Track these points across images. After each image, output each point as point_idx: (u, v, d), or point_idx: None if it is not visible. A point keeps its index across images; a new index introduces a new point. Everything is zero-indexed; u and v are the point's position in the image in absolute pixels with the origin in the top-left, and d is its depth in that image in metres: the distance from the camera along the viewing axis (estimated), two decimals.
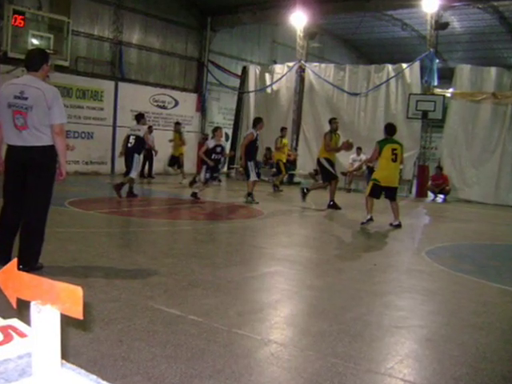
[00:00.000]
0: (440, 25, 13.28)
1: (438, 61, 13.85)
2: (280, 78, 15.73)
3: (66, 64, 12.61)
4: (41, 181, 3.91)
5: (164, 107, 16.09)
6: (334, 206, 9.52)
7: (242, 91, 16.71)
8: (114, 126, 14.59)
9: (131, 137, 9.29)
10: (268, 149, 14.69)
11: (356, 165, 12.38)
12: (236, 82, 17.13)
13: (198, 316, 3.21)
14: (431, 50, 13.16)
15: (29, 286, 0.71)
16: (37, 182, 3.90)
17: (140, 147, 9.39)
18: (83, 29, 13.81)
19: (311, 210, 9.58)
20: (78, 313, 0.67)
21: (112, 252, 5.12)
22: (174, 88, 16.39)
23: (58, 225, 5.98)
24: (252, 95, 16.62)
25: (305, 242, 6.61)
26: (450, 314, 3.74)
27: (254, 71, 16.58)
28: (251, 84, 16.51)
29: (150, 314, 3.21)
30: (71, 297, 0.67)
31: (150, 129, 12.23)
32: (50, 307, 0.68)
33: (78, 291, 0.67)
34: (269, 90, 16.18)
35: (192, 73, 17.08)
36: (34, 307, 0.69)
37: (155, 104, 15.79)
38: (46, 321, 0.68)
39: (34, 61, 3.93)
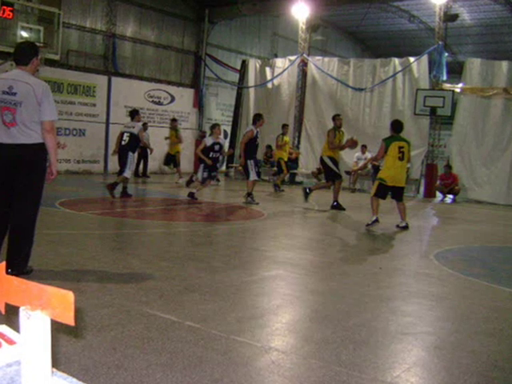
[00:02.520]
0: (449, 16, 13.12)
1: (447, 54, 13.67)
2: (281, 73, 15.55)
3: (57, 58, 12.38)
4: (30, 180, 3.84)
5: (159, 103, 15.91)
6: (337, 206, 9.42)
7: (241, 86, 16.52)
8: (107, 123, 14.41)
9: (125, 134, 9.18)
10: (269, 147, 14.61)
11: (361, 163, 12.27)
12: (235, 77, 16.95)
13: (195, 322, 3.16)
14: (440, 42, 12.95)
15: (18, 290, 0.72)
16: (26, 181, 3.82)
17: (134, 145, 9.28)
18: (75, 21, 13.61)
19: (314, 211, 9.50)
20: (69, 319, 0.67)
21: (105, 255, 5.06)
22: (169, 83, 16.17)
23: (49, 226, 5.94)
24: (252, 90, 16.40)
25: (307, 245, 6.55)
26: (459, 320, 3.66)
27: (253, 65, 16.35)
28: (251, 79, 16.29)
29: (144, 320, 3.15)
30: (62, 302, 0.67)
31: (145, 126, 12.10)
32: (40, 313, 0.69)
33: (69, 296, 0.67)
34: (269, 85, 16.00)
35: (189, 67, 16.86)
36: (24, 313, 0.69)
37: (150, 100, 15.60)
38: (35, 327, 0.68)
39: (24, 54, 3.86)
